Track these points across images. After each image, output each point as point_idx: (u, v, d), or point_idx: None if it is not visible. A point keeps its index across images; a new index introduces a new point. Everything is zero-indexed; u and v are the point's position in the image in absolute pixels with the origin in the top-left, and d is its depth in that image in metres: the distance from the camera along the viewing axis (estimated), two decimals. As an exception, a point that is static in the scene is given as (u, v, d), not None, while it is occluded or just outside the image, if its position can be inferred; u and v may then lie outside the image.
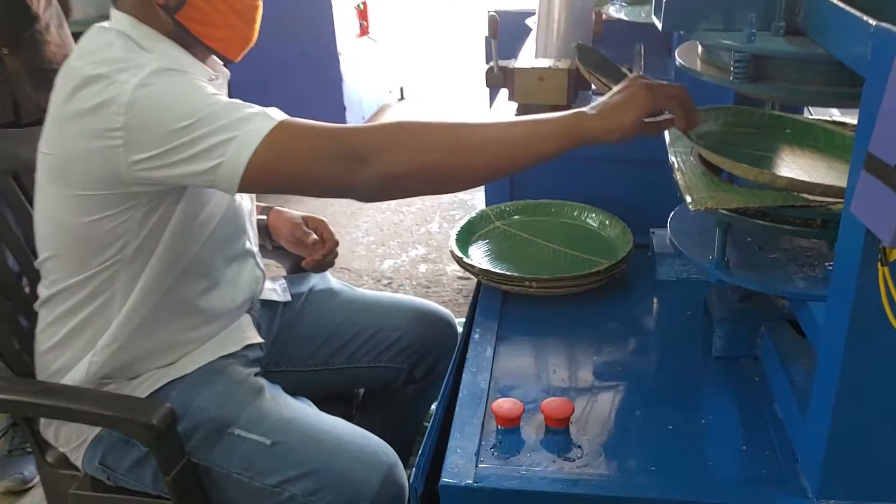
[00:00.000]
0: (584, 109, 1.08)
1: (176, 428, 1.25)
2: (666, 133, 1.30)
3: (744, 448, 1.10)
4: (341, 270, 3.16)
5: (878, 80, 0.79)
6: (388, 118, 5.11)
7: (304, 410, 1.35)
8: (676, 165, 1.18)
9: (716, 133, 1.26)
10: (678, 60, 1.18)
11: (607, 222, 1.64)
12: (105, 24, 1.20)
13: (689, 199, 1.06)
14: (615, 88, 1.09)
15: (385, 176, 1.06)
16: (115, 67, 1.10)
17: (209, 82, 1.24)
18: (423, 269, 3.21)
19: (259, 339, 1.44)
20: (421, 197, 3.85)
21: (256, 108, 1.09)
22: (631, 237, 1.54)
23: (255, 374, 1.38)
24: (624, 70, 1.98)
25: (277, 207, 1.62)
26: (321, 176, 1.08)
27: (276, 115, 1.08)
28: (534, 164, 1.08)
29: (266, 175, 1.07)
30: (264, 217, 1.59)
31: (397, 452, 1.33)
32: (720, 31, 1.06)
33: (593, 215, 1.67)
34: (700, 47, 1.18)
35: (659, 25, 1.10)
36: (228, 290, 1.37)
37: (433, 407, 1.80)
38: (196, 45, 1.23)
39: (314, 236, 1.57)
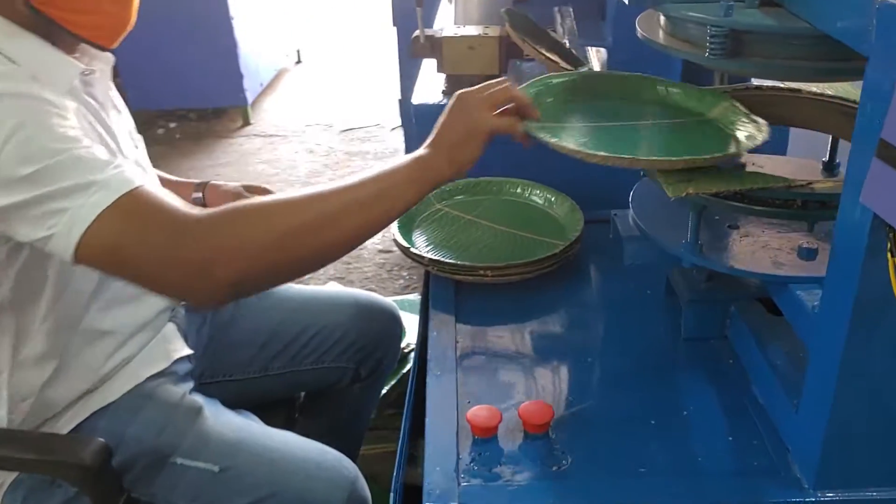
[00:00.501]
0: (424, 153, 1.03)
1: (111, 464, 1.12)
2: (624, 109, 1.23)
3: (730, 439, 1.06)
4: (256, 251, 3.00)
5: (886, 61, 0.74)
6: (286, 83, 4.90)
7: (251, 428, 1.24)
8: (643, 146, 1.11)
9: (549, 114, 1.18)
10: (640, 32, 1.11)
11: (553, 199, 1.57)
12: None
13: (665, 185, 1.00)
14: (444, 114, 1.05)
15: (236, 282, 0.93)
16: None
17: (85, 77, 1.09)
18: (341, 245, 3.09)
19: (187, 351, 1.30)
20: (331, 167, 3.71)
21: (106, 172, 0.92)
22: (581, 215, 1.48)
23: (190, 392, 1.25)
24: (552, 35, 1.90)
25: (213, 182, 1.45)
26: (158, 282, 0.95)
27: (126, 180, 0.92)
28: (392, 221, 1.02)
29: (97, 261, 0.93)
30: (199, 195, 1.42)
31: (345, 453, 1.25)
32: (691, 4, 0.99)
33: (538, 192, 1.59)
34: (662, 18, 1.10)
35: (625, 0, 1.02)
36: (137, 304, 1.22)
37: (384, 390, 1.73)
38: (61, 35, 1.05)
39: None
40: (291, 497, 1.16)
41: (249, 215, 0.95)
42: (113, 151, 1.08)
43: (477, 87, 1.06)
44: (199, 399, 1.23)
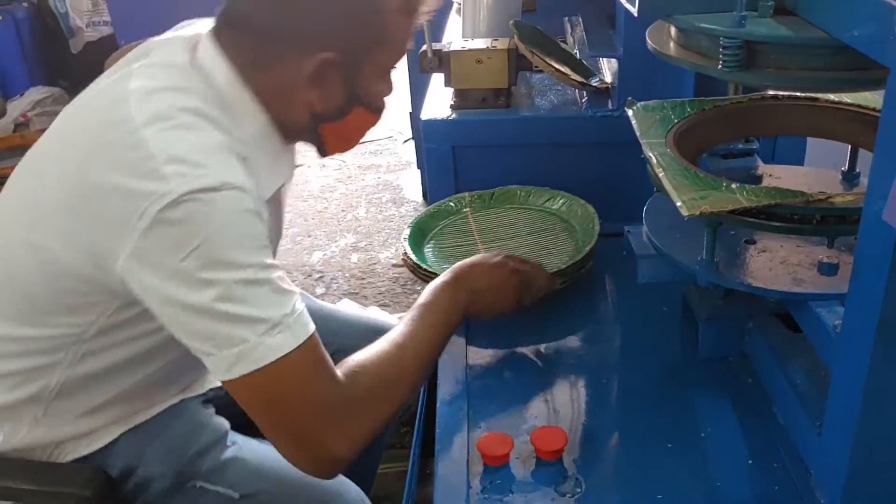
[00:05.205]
0: (463, 299, 1.10)
1: (113, 492, 1.09)
2: (634, 123, 1.20)
3: (750, 462, 1.02)
4: (268, 267, 2.98)
5: (908, 72, 0.70)
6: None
7: (274, 454, 1.20)
8: (655, 161, 1.08)
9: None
10: (650, 44, 1.08)
11: (572, 205, 1.55)
12: (189, 49, 0.96)
13: (679, 203, 0.96)
14: (490, 266, 1.16)
15: (370, 432, 0.96)
16: (167, 153, 0.85)
17: (289, 169, 1.08)
18: (354, 259, 3.07)
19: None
20: (344, 181, 3.69)
21: (288, 308, 0.88)
22: (597, 228, 1.44)
23: (217, 412, 1.22)
24: (562, 46, 1.88)
25: None
26: (285, 445, 0.96)
27: (305, 325, 0.90)
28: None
29: (245, 398, 0.92)
30: None
31: (359, 482, 1.21)
32: (703, 14, 0.95)
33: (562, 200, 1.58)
34: (673, 29, 1.07)
35: (634, 11, 0.99)
36: None
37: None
38: (305, 139, 1.06)
39: None
40: None
41: (382, 383, 0.98)
42: (276, 240, 1.10)
43: (530, 271, 1.21)
44: (225, 423, 1.19)
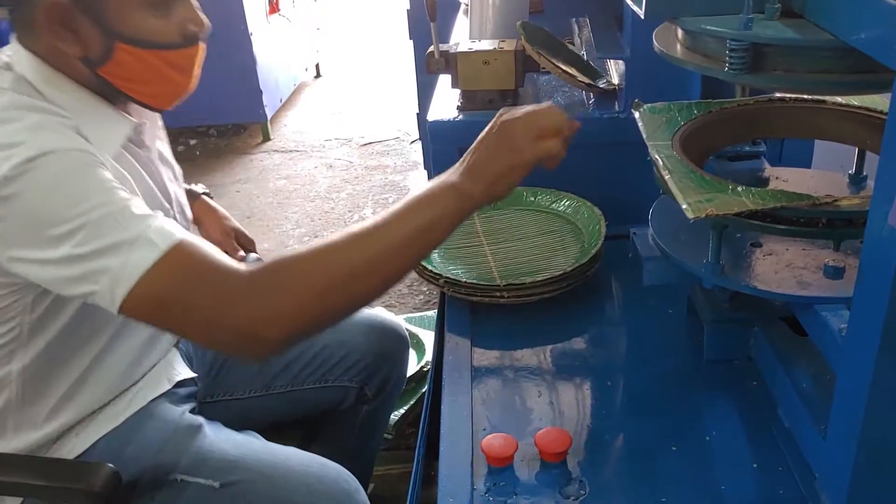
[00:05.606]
0: (461, 182, 0.96)
1: (121, 490, 1.10)
2: (641, 125, 1.20)
3: (755, 466, 1.02)
4: (274, 267, 2.99)
5: (914, 74, 0.70)
6: (305, 98, 4.91)
7: (252, 444, 1.21)
8: (661, 163, 1.07)
9: None
10: (657, 46, 1.08)
11: (580, 208, 1.55)
12: (3, 57, 1.02)
13: (685, 205, 0.96)
14: (485, 140, 0.98)
15: (286, 339, 0.92)
16: None
17: (135, 134, 1.09)
18: (360, 260, 3.07)
19: (190, 374, 1.29)
20: (351, 182, 3.70)
21: (143, 226, 0.91)
22: (603, 229, 1.44)
23: (191, 411, 1.24)
24: (570, 47, 1.87)
25: (205, 197, 1.48)
26: (206, 341, 0.97)
27: (167, 234, 0.91)
28: (430, 253, 0.99)
29: (143, 316, 0.93)
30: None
31: (356, 475, 1.22)
32: (710, 16, 0.95)
33: (566, 202, 1.57)
34: (679, 31, 1.07)
35: (641, 13, 0.99)
36: (142, 334, 1.20)
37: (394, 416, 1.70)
38: (118, 95, 1.06)
39: (241, 254, 1.45)
40: None
41: (296, 272, 0.92)
42: (159, 201, 1.12)
43: (522, 112, 0.99)
44: (199, 418, 1.22)
